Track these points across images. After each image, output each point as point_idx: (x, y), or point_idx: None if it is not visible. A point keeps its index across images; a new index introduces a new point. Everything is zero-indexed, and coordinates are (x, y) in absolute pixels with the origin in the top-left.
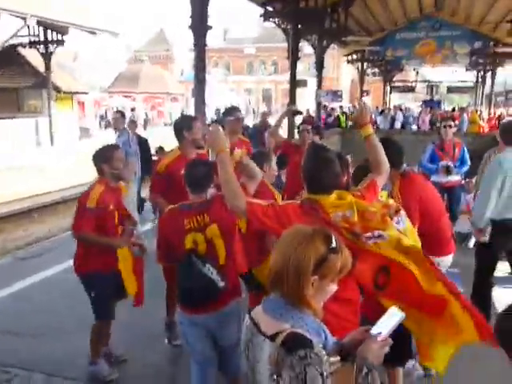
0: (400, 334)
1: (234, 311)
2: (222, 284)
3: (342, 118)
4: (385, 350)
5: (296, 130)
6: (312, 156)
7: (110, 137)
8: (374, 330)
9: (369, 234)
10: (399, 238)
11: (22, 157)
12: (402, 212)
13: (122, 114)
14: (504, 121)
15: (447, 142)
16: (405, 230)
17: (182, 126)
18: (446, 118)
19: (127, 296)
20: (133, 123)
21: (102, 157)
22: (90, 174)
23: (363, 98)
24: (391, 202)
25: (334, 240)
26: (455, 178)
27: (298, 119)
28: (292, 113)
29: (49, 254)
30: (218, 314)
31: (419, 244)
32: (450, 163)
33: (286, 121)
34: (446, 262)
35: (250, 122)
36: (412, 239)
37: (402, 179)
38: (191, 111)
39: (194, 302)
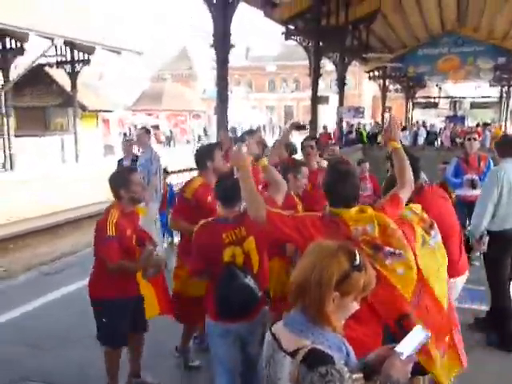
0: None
1: (262, 319)
2: (260, 293)
3: (364, 134)
4: (409, 367)
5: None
6: (332, 169)
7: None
8: (399, 348)
9: (390, 249)
10: (413, 264)
11: (48, 173)
12: (435, 226)
13: (147, 131)
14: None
15: (472, 155)
16: (437, 244)
17: (205, 157)
18: (470, 132)
19: (145, 327)
20: (127, 142)
21: (119, 181)
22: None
23: (385, 115)
24: (425, 215)
25: (358, 257)
26: (480, 192)
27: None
28: (295, 127)
29: (71, 270)
30: (251, 322)
31: (446, 260)
32: (476, 177)
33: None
34: (458, 283)
35: (273, 139)
36: (441, 254)
37: (415, 194)
38: (213, 128)
39: (234, 312)
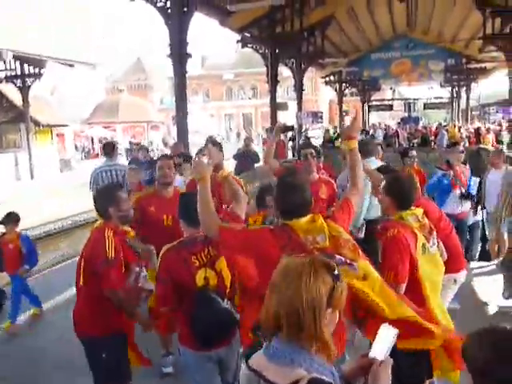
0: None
1: (238, 339)
2: (237, 315)
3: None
4: (389, 370)
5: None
6: (280, 181)
7: (89, 168)
8: (372, 354)
9: (341, 258)
10: (367, 272)
11: (1, 192)
12: (435, 233)
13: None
14: None
15: (456, 167)
16: (436, 251)
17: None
18: (455, 143)
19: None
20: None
21: (108, 199)
22: (72, 207)
23: (345, 118)
24: (426, 220)
25: (335, 267)
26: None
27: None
28: (282, 130)
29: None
30: (230, 345)
31: (443, 268)
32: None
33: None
34: (461, 278)
35: (233, 147)
36: (440, 262)
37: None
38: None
39: (214, 338)
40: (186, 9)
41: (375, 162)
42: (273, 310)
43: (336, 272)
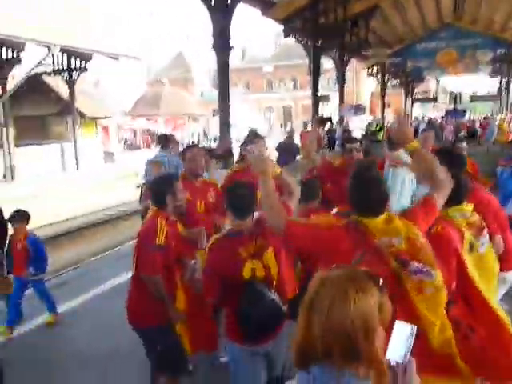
0: None
1: (286, 332)
2: (284, 307)
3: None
4: (413, 370)
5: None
6: (355, 176)
7: (131, 160)
8: (389, 355)
9: (418, 265)
10: (441, 285)
11: (48, 182)
12: (485, 231)
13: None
14: None
15: None
16: (488, 250)
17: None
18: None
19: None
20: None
21: (166, 187)
22: (114, 197)
23: (386, 110)
24: (475, 218)
25: (379, 278)
26: None
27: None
28: (319, 122)
29: (75, 282)
30: (277, 339)
31: (497, 267)
32: None
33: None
34: (510, 278)
35: (274, 140)
36: (492, 260)
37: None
38: (214, 131)
39: (261, 333)
40: (229, 1)
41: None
42: (316, 334)
43: (382, 282)
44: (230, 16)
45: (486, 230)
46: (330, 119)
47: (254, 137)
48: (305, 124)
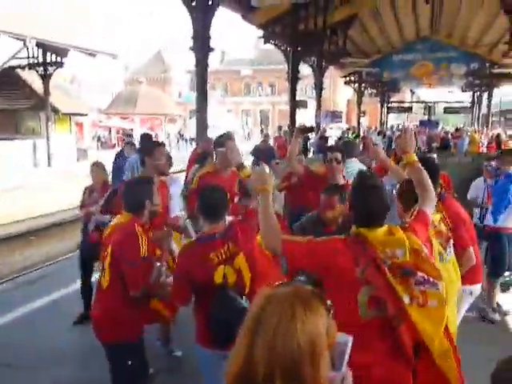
0: None
1: None
2: None
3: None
4: (350, 381)
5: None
6: (355, 184)
7: (105, 158)
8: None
9: (423, 276)
10: (445, 301)
11: (19, 178)
12: (451, 240)
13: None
14: None
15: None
16: (450, 261)
17: (144, 151)
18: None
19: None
20: None
21: (145, 192)
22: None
23: (361, 119)
24: (443, 227)
25: (326, 299)
26: None
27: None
28: (302, 131)
29: (45, 280)
30: None
31: (459, 276)
32: None
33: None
34: (476, 291)
35: (248, 144)
36: (454, 270)
37: (442, 201)
38: (191, 133)
39: (231, 338)
40: (210, 2)
41: (355, 163)
42: (259, 355)
43: (329, 302)
44: (211, 17)
45: (451, 240)
46: (312, 129)
47: (226, 138)
48: (279, 128)
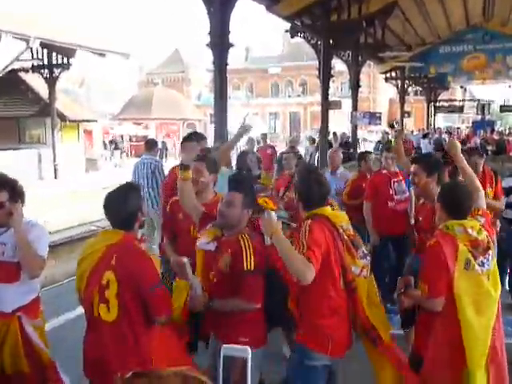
0: None
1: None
2: None
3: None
4: None
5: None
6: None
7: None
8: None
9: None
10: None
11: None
12: (491, 252)
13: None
14: None
15: None
16: (489, 272)
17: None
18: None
19: None
20: None
21: (137, 201)
22: (96, 210)
23: (405, 120)
24: (481, 236)
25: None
26: None
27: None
28: (391, 126)
29: (48, 305)
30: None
31: (498, 292)
32: None
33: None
34: None
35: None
36: (492, 285)
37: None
38: (210, 138)
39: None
40: None
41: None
42: None
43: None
44: (230, 9)
45: (491, 252)
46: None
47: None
48: (263, 136)
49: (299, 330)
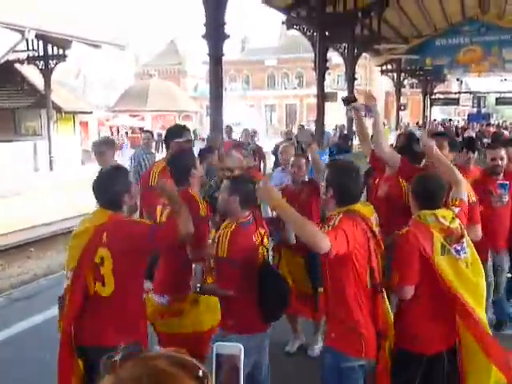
0: None
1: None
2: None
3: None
4: None
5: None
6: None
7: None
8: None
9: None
10: None
11: (18, 184)
12: (465, 241)
13: (152, 135)
14: None
15: None
16: (468, 260)
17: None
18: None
19: None
20: None
21: (124, 184)
22: (93, 202)
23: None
24: (454, 225)
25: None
26: None
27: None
28: (345, 102)
29: (45, 295)
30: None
31: (482, 280)
32: None
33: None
34: None
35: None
36: (475, 272)
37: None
38: (206, 130)
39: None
40: None
41: None
42: None
43: (200, 373)
44: (226, 1)
45: (464, 239)
46: (354, 99)
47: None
48: (227, 128)
49: (330, 333)
